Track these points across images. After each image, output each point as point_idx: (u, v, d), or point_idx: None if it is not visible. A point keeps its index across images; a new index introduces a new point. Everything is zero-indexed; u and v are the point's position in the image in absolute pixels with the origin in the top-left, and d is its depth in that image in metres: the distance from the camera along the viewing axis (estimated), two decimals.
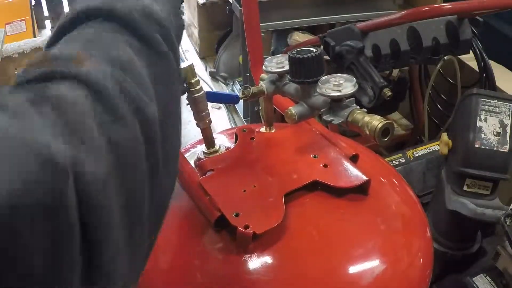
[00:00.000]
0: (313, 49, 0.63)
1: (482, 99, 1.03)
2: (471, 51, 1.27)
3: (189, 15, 2.73)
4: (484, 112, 1.03)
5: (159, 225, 0.41)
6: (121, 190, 0.30)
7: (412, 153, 1.29)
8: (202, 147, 0.74)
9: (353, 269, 0.58)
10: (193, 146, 0.83)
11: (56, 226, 0.24)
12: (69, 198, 0.25)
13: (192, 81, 0.66)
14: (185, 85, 0.67)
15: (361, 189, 0.65)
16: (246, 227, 0.57)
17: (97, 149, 0.29)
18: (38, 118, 0.27)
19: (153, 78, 0.36)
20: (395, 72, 1.50)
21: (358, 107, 0.60)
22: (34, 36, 2.49)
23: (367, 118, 0.57)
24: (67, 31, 0.36)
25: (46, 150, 0.25)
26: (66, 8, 3.42)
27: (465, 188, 1.03)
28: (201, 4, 2.39)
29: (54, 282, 0.25)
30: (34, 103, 0.28)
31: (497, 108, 1.03)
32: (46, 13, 3.39)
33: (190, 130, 2.31)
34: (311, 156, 0.68)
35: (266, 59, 0.71)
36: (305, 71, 0.62)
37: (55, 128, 0.27)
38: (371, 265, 0.59)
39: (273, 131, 0.78)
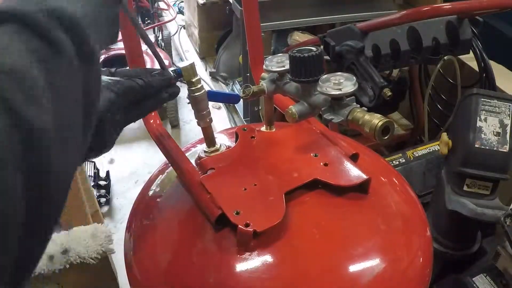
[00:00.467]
0: (313, 48, 0.63)
1: (482, 99, 1.04)
2: (471, 51, 1.28)
3: (189, 15, 2.74)
4: (484, 112, 1.03)
5: None
6: None
7: (412, 153, 1.30)
8: (203, 146, 0.74)
9: (353, 267, 0.58)
10: (194, 145, 0.83)
11: None
12: None
13: (193, 80, 0.66)
14: (183, 84, 0.67)
15: (361, 188, 0.65)
16: (247, 225, 0.57)
17: None
18: None
19: (51, 84, 0.34)
20: (395, 72, 1.50)
21: (358, 105, 0.60)
22: None
23: (367, 117, 0.57)
24: None
25: None
26: None
27: (465, 188, 1.04)
28: (201, 4, 2.40)
29: None
30: None
31: (497, 108, 1.03)
32: None
33: (191, 129, 2.33)
34: (312, 154, 0.68)
35: (267, 58, 0.71)
36: (306, 70, 0.62)
37: None
38: (371, 263, 0.59)
39: (274, 130, 0.78)
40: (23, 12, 0.35)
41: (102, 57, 2.35)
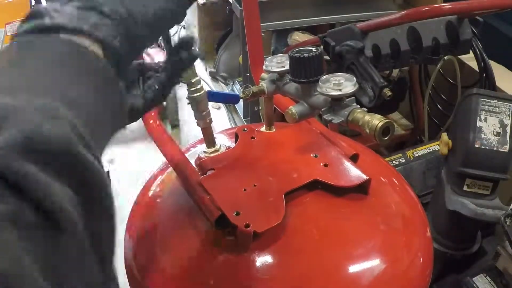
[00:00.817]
0: (313, 49, 0.63)
1: (482, 99, 1.04)
2: (471, 51, 1.28)
3: (189, 15, 2.73)
4: (484, 112, 1.03)
5: None
6: None
7: (412, 153, 1.30)
8: (203, 147, 0.74)
9: (353, 268, 0.58)
10: (194, 145, 0.83)
11: None
12: None
13: (193, 80, 0.66)
14: (183, 84, 0.67)
15: (361, 189, 0.65)
16: (247, 226, 0.57)
17: None
18: None
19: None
20: (395, 72, 1.50)
21: (359, 106, 0.60)
22: None
23: (367, 117, 0.57)
24: None
25: None
26: None
27: (465, 188, 1.03)
28: (201, 4, 2.39)
29: None
30: None
31: (497, 108, 1.03)
32: None
33: (190, 130, 2.32)
34: (312, 155, 0.68)
35: (267, 58, 0.71)
36: (306, 71, 0.62)
37: None
38: (371, 264, 0.59)
39: (274, 130, 0.78)
40: None
41: None
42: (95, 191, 0.31)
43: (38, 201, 0.26)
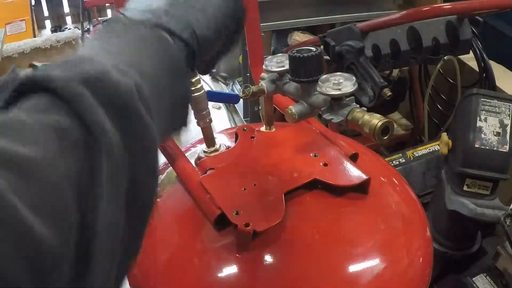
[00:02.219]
0: (313, 48, 0.63)
1: (482, 99, 1.04)
2: (471, 51, 1.28)
3: None
4: (484, 112, 1.03)
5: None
6: None
7: (412, 153, 1.30)
8: (203, 146, 0.74)
9: (353, 268, 0.58)
10: (194, 145, 0.83)
11: None
12: None
13: (192, 80, 0.66)
14: None
15: (361, 188, 0.65)
16: (247, 225, 0.57)
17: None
18: None
19: (83, 183, 0.27)
20: (395, 72, 1.50)
21: (358, 105, 0.60)
22: (34, 36, 2.50)
23: (366, 117, 0.57)
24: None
25: None
26: (66, 8, 3.42)
27: (465, 188, 1.04)
28: None
29: None
30: None
31: (497, 108, 1.03)
32: (46, 13, 3.40)
33: (190, 130, 2.33)
34: (311, 155, 0.68)
35: (266, 58, 0.71)
36: (305, 70, 0.62)
37: None
38: (370, 264, 0.59)
39: (273, 130, 0.78)
40: (58, 84, 0.29)
41: None
42: (142, 146, 0.32)
43: (83, 117, 0.28)
